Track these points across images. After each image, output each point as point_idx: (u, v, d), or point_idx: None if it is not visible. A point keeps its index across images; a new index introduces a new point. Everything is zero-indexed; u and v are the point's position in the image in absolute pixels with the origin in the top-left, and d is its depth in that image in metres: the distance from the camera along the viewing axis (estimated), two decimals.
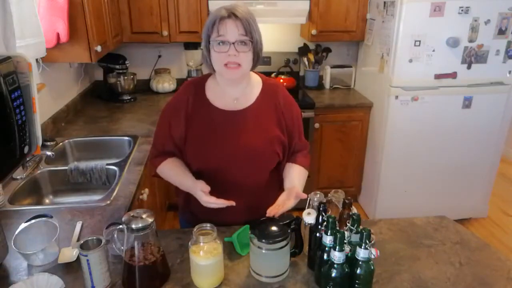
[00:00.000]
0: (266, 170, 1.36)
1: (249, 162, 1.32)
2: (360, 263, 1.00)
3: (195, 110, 1.34)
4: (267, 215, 1.16)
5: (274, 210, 1.17)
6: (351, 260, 1.01)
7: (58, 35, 2.04)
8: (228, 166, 1.32)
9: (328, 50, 3.30)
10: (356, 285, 1.02)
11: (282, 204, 1.20)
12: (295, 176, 1.37)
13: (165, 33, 2.92)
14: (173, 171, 1.37)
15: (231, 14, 1.20)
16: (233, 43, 1.20)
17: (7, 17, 1.54)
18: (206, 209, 1.39)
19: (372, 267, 1.01)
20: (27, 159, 1.74)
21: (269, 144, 1.33)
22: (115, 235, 1.09)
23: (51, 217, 1.25)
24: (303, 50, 3.31)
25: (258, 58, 1.29)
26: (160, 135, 1.42)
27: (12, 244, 1.14)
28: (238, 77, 1.28)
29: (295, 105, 1.42)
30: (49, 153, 1.83)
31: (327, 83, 3.37)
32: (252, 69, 1.32)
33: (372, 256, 0.99)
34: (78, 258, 1.13)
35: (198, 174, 1.36)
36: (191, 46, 3.16)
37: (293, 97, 1.44)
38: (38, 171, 1.80)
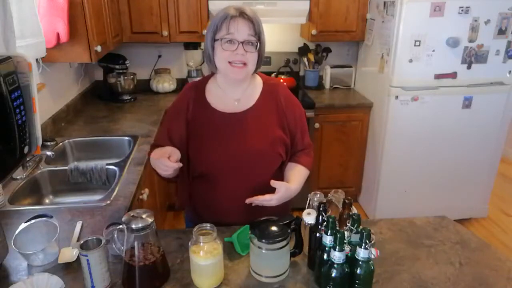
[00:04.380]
0: (269, 171, 1.35)
1: (252, 164, 1.32)
2: (360, 263, 1.00)
3: (196, 114, 1.34)
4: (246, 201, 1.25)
5: (252, 199, 1.24)
6: (351, 260, 1.01)
7: (58, 35, 2.04)
8: (230, 169, 1.32)
9: (328, 50, 3.30)
10: (356, 285, 1.02)
11: (263, 196, 1.24)
12: (292, 174, 1.36)
13: (165, 33, 2.92)
14: (155, 152, 1.33)
15: (242, 13, 1.20)
16: (242, 43, 1.21)
17: (7, 17, 1.54)
18: (208, 208, 1.40)
19: (372, 267, 1.01)
20: (27, 159, 1.74)
21: (271, 145, 1.33)
22: (115, 235, 1.09)
23: (51, 217, 1.25)
24: (303, 50, 3.31)
25: (261, 60, 1.30)
26: (160, 137, 1.43)
27: (12, 244, 1.14)
28: (242, 77, 1.28)
29: (297, 105, 1.42)
30: (49, 153, 1.83)
31: (327, 83, 3.37)
32: (255, 71, 1.32)
33: (372, 256, 0.99)
34: (78, 258, 1.13)
35: (201, 177, 1.36)
36: (191, 46, 3.16)
37: (295, 97, 1.44)
38: (38, 171, 1.80)
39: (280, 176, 1.38)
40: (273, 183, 1.24)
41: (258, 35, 1.23)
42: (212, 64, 1.30)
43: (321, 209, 1.10)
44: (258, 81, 1.39)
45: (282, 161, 1.38)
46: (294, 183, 1.31)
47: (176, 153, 1.21)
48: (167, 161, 1.18)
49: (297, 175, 1.36)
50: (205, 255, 1.05)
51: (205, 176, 1.35)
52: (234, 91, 1.34)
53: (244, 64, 1.23)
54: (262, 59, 1.30)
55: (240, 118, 1.32)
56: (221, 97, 1.34)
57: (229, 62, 1.23)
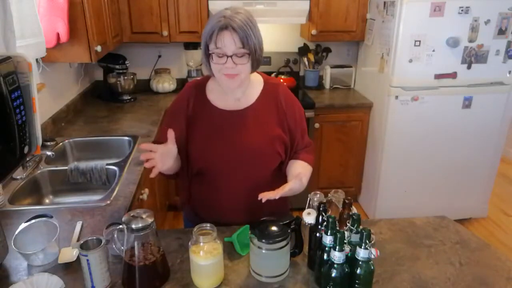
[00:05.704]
0: (268, 170, 1.36)
1: (250, 161, 1.32)
2: (360, 263, 1.00)
3: (196, 111, 1.34)
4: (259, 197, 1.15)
5: (265, 194, 1.15)
6: (351, 260, 1.01)
7: (58, 35, 2.04)
8: (229, 166, 1.32)
9: (328, 50, 3.30)
10: (356, 285, 1.02)
11: (276, 190, 1.17)
12: (298, 167, 1.35)
13: (165, 33, 2.92)
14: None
15: (228, 25, 1.17)
16: (231, 56, 1.19)
17: (7, 17, 1.54)
18: (207, 207, 1.40)
19: (372, 267, 1.01)
20: (27, 159, 1.74)
21: (270, 143, 1.33)
22: (115, 235, 1.09)
23: (51, 217, 1.25)
24: (303, 50, 3.31)
25: (258, 63, 1.28)
26: (160, 134, 1.43)
27: (12, 244, 1.14)
28: (235, 86, 1.28)
29: (297, 105, 1.42)
30: (49, 153, 1.83)
31: (327, 83, 3.37)
32: (252, 72, 1.32)
33: (372, 256, 0.99)
34: (78, 258, 1.13)
35: (200, 175, 1.36)
36: (191, 46, 3.16)
37: (296, 97, 1.43)
38: (38, 171, 1.80)
39: (279, 176, 1.38)
40: (296, 174, 1.22)
41: (247, 45, 1.19)
42: (208, 70, 1.30)
43: (321, 209, 1.10)
44: (259, 80, 1.39)
45: (281, 161, 1.38)
46: (304, 177, 1.28)
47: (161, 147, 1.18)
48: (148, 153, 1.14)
49: (304, 170, 1.35)
50: (205, 255, 1.05)
51: (204, 174, 1.35)
52: (234, 91, 1.34)
53: (237, 74, 1.23)
54: (260, 62, 1.29)
55: (240, 116, 1.33)
56: (221, 95, 1.35)
57: (222, 74, 1.23)
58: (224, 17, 1.18)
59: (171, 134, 1.19)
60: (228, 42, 1.18)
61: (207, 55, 1.25)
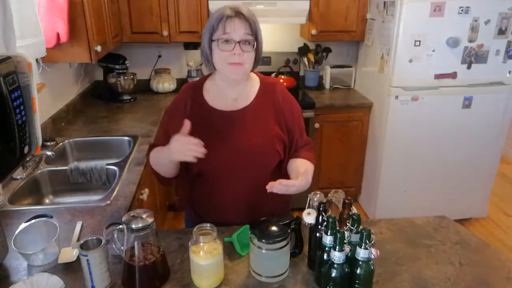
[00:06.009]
0: (267, 169, 1.35)
1: (250, 161, 1.32)
2: (360, 263, 1.00)
3: (194, 112, 1.34)
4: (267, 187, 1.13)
5: (272, 184, 1.13)
6: (351, 260, 1.01)
7: (58, 35, 2.04)
8: (228, 166, 1.32)
9: (328, 50, 3.30)
10: (356, 285, 1.02)
11: (283, 181, 1.14)
12: (301, 165, 1.33)
13: (165, 33, 2.92)
14: (156, 151, 1.35)
15: (238, 13, 1.20)
16: (238, 42, 1.20)
17: (7, 17, 1.54)
18: (207, 208, 1.40)
19: (372, 267, 1.01)
20: (27, 159, 1.74)
21: (269, 142, 1.33)
22: (115, 235, 1.09)
23: (51, 217, 1.25)
24: (303, 50, 3.31)
25: (259, 60, 1.30)
26: (158, 136, 1.43)
27: (12, 244, 1.14)
28: (240, 77, 1.28)
29: (294, 103, 1.42)
30: (49, 153, 1.83)
31: (327, 83, 3.37)
32: (252, 70, 1.32)
33: (372, 256, 0.99)
34: (78, 258, 1.13)
35: (199, 176, 1.36)
36: (191, 46, 3.16)
37: (292, 95, 1.43)
38: (38, 171, 1.80)
39: (279, 175, 1.38)
40: (302, 171, 1.21)
41: (254, 34, 1.23)
42: (210, 65, 1.30)
43: (321, 209, 1.10)
44: (255, 80, 1.39)
45: (280, 160, 1.37)
46: (310, 175, 1.27)
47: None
48: (191, 138, 1.13)
49: (306, 168, 1.34)
50: (205, 255, 1.05)
51: (203, 175, 1.35)
52: (232, 90, 1.34)
53: (242, 63, 1.23)
54: (260, 58, 1.30)
55: (238, 116, 1.33)
56: (219, 95, 1.35)
57: (228, 63, 1.23)
58: (231, 8, 1.22)
59: (187, 124, 1.17)
60: (238, 27, 1.20)
61: (210, 47, 1.25)
